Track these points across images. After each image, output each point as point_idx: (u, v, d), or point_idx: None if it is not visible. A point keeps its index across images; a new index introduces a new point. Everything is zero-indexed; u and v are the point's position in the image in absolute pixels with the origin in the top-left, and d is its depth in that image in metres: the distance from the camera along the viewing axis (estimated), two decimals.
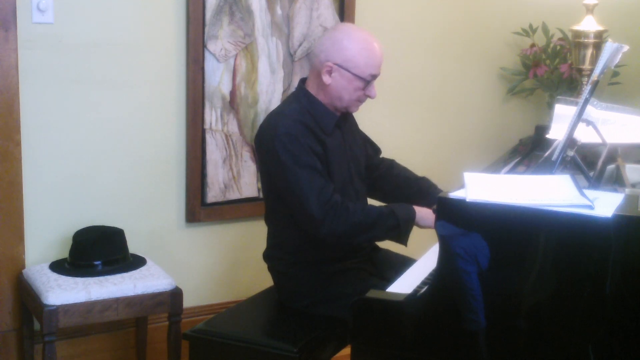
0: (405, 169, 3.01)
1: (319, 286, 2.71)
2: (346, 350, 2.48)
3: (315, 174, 2.57)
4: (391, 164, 3.01)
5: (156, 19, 3.21)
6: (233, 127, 3.41)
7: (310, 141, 2.60)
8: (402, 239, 2.65)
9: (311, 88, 2.72)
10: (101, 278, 2.90)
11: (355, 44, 2.64)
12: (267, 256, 2.83)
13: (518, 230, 2.02)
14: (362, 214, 2.59)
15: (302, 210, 2.57)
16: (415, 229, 2.69)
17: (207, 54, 3.30)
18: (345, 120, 2.81)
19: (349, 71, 2.64)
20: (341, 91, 2.67)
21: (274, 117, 2.70)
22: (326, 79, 2.66)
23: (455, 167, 3.47)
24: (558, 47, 3.98)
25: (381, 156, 3.04)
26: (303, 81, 2.77)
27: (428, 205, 2.72)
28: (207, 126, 3.35)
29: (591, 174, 2.44)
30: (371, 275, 2.79)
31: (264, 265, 2.90)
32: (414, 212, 2.65)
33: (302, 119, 2.63)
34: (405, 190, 2.92)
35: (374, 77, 2.68)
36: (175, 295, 2.95)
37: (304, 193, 2.55)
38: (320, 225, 2.54)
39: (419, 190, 2.90)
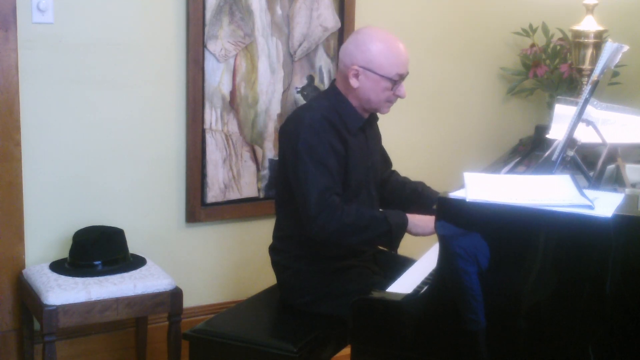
0: (403, 177, 3.02)
1: (321, 283, 2.71)
2: (346, 350, 2.48)
3: (325, 172, 2.58)
4: (391, 172, 3.03)
5: (156, 19, 3.21)
6: (233, 127, 3.41)
7: (332, 138, 2.61)
8: (393, 245, 2.65)
9: (340, 89, 2.73)
10: (101, 278, 2.90)
11: (378, 44, 2.64)
12: (273, 248, 2.84)
13: (518, 230, 2.02)
14: (355, 215, 2.59)
15: (303, 202, 2.59)
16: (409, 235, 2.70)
17: (207, 54, 3.30)
18: (371, 126, 2.82)
19: (374, 72, 2.63)
20: (369, 93, 2.66)
21: (301, 110, 2.74)
22: (353, 82, 2.66)
23: (455, 167, 3.47)
24: (558, 47, 3.98)
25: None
26: (335, 80, 2.78)
27: (422, 207, 2.72)
28: (207, 126, 3.35)
29: (591, 174, 2.44)
30: (374, 274, 2.80)
31: (264, 265, 2.90)
32: (406, 220, 2.65)
33: (328, 115, 2.65)
34: (399, 193, 2.94)
35: (401, 76, 2.67)
36: (175, 295, 2.95)
37: (308, 187, 2.56)
38: (313, 221, 2.56)
39: (412, 192, 2.92)
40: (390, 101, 2.72)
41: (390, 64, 2.64)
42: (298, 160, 2.59)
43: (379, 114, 2.84)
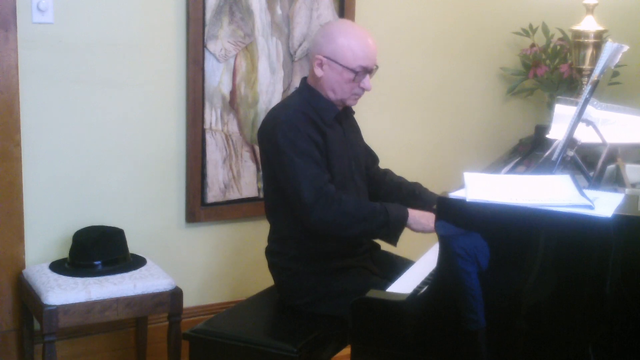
0: (399, 177, 3.02)
1: (319, 283, 2.71)
2: (346, 350, 2.48)
3: (311, 162, 2.60)
4: (385, 172, 3.03)
5: (156, 19, 3.21)
6: (233, 127, 3.42)
7: (310, 130, 2.64)
8: (392, 238, 2.65)
9: (311, 83, 2.77)
10: (101, 278, 2.91)
11: (344, 36, 2.68)
12: (269, 251, 2.84)
13: (518, 230, 2.02)
14: (354, 205, 2.60)
15: (295, 195, 2.60)
16: (413, 233, 2.69)
17: (207, 54, 3.30)
18: (346, 116, 2.84)
19: (337, 63, 2.67)
20: (333, 83, 2.70)
21: (275, 109, 2.77)
22: (318, 71, 2.71)
23: (455, 167, 3.48)
24: (558, 47, 3.98)
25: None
26: (305, 78, 2.82)
27: (419, 209, 2.71)
28: (207, 126, 3.35)
29: (591, 174, 2.44)
30: (372, 274, 2.80)
31: (264, 265, 2.90)
32: (406, 213, 2.66)
33: (302, 109, 2.68)
34: (396, 194, 2.93)
35: (365, 69, 2.69)
36: (175, 295, 2.95)
37: (298, 179, 2.58)
38: (311, 211, 2.56)
39: (410, 193, 2.91)
40: (356, 94, 2.75)
41: (354, 55, 2.67)
42: (282, 157, 2.61)
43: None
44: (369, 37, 2.72)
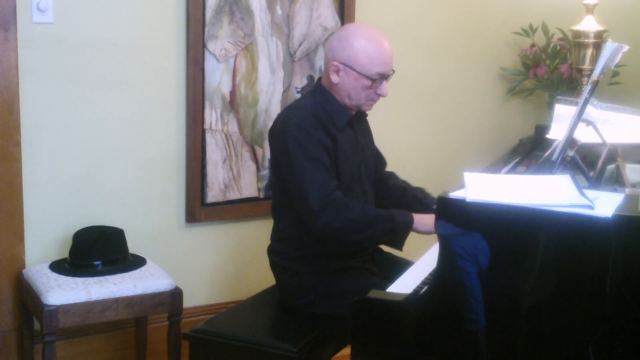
0: (402, 181, 3.00)
1: (320, 283, 2.71)
2: (346, 350, 2.48)
3: (320, 167, 2.59)
4: (389, 175, 3.02)
5: (156, 19, 3.21)
6: (233, 127, 3.42)
7: (320, 134, 2.62)
8: (398, 243, 2.65)
9: (325, 86, 2.74)
10: (101, 278, 2.91)
11: (360, 42, 2.63)
12: (271, 250, 2.84)
13: (518, 230, 2.02)
14: (361, 212, 2.60)
15: (302, 200, 2.59)
16: (416, 234, 2.69)
17: (207, 54, 3.30)
18: (359, 121, 2.82)
19: (354, 69, 2.63)
20: (349, 90, 2.67)
21: (288, 110, 2.75)
22: (334, 78, 2.66)
23: (455, 167, 3.48)
24: (558, 47, 3.98)
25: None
26: (319, 79, 2.79)
27: (423, 213, 2.71)
28: (207, 126, 3.35)
29: (591, 174, 2.44)
30: (373, 274, 2.80)
31: (264, 265, 2.90)
32: (412, 218, 2.65)
33: (314, 112, 2.65)
34: (398, 199, 2.92)
35: (382, 75, 2.66)
36: (175, 295, 2.95)
37: (306, 183, 2.57)
38: (317, 217, 2.56)
39: (413, 198, 2.88)
40: (372, 99, 2.71)
41: (371, 62, 2.62)
42: (291, 160, 2.59)
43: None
44: (385, 40, 2.67)
